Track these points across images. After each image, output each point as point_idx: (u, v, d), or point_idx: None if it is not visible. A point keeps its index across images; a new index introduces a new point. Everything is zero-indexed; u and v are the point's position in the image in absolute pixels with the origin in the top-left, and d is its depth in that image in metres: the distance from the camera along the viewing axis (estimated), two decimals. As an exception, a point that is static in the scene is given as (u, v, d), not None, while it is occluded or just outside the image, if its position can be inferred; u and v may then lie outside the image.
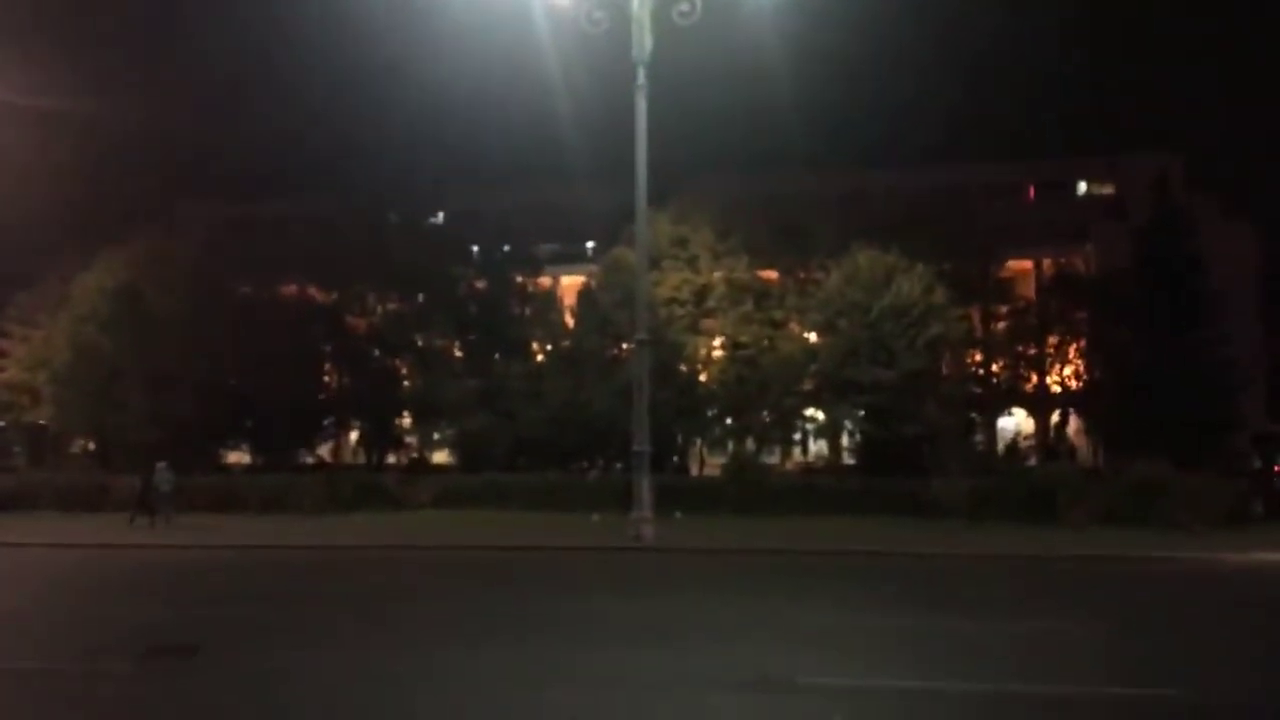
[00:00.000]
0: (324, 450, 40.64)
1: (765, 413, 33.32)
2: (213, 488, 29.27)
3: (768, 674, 8.77)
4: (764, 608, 13.06)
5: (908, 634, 10.95)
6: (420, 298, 36.36)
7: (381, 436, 36.93)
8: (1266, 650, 10.35)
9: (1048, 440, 42.28)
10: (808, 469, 38.74)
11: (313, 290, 37.78)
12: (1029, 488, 24.88)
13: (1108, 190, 51.39)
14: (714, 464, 34.46)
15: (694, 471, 35.00)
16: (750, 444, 34.39)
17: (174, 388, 31.52)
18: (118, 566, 18.47)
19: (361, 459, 39.21)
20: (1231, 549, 19.18)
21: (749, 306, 33.94)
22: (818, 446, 42.09)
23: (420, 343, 35.93)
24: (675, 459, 34.48)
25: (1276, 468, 26.85)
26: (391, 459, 37.22)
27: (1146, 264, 31.31)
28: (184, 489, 29.16)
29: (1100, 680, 8.82)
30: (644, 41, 21.46)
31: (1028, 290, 43.29)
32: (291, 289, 38.19)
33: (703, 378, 33.57)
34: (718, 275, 33.99)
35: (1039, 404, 43.06)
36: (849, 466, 33.56)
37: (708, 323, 33.75)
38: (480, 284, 37.46)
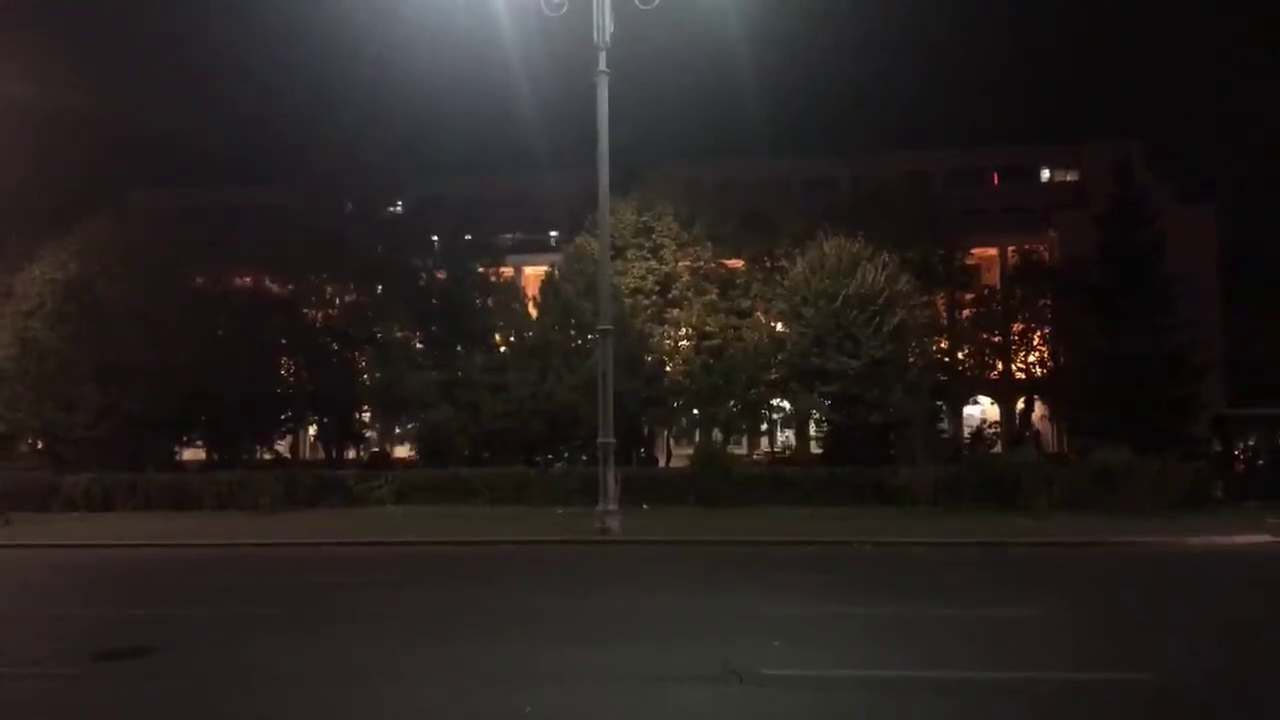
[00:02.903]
0: (282, 446, 39.94)
1: (732, 403, 33.18)
2: (167, 485, 28.64)
3: (733, 666, 8.51)
4: (729, 599, 12.81)
5: (874, 623, 10.74)
6: (379, 288, 35.73)
7: (341, 431, 36.33)
8: (1231, 632, 10.25)
9: (1013, 427, 42.58)
10: (775, 459, 38.69)
11: (269, 281, 37.01)
12: (993, 475, 24.89)
13: (1071, 177, 51.79)
14: (681, 455, 34.29)
15: (662, 462, 34.78)
16: (717, 434, 34.28)
17: (125, 383, 30.75)
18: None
19: (321, 455, 38.56)
20: (1192, 532, 19.22)
21: (714, 296, 33.78)
22: (785, 436, 42.09)
23: (380, 334, 35.32)
24: (642, 450, 34.25)
25: (1236, 451, 27.07)
26: (352, 454, 36.62)
27: (1108, 250, 31.46)
28: (137, 487, 28.62)
29: (1070, 665, 8.65)
30: (605, 26, 21.07)
31: (992, 277, 43.56)
32: (247, 280, 37.40)
33: (669, 368, 33.34)
34: (683, 264, 33.79)
35: (1004, 391, 43.36)
36: (817, 455, 33.51)
37: (673, 312, 33.53)
38: (441, 274, 36.90)
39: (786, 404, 33.21)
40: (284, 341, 35.71)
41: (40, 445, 35.95)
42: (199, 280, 35.78)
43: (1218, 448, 28.01)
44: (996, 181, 53.47)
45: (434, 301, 35.83)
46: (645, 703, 7.74)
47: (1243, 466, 26.96)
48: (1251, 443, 28.09)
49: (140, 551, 19.93)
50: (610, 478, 20.55)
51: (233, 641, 10.24)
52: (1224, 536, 19.01)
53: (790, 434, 41.00)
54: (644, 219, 33.50)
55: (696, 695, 7.84)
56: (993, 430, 39.51)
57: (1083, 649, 9.43)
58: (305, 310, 35.99)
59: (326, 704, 7.83)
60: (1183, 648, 9.48)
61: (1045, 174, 54.06)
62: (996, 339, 39.25)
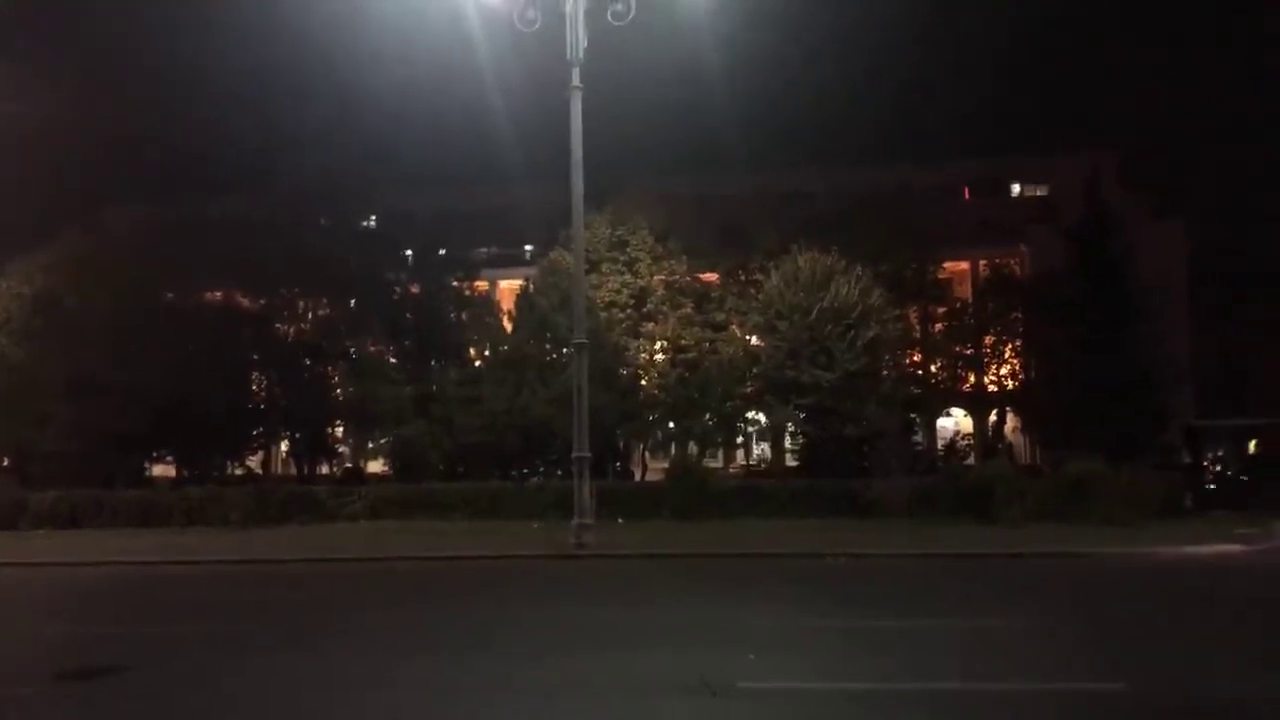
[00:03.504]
0: (255, 462, 39.50)
1: (707, 416, 33.18)
2: (135, 502, 28.21)
3: (708, 679, 8.45)
4: (705, 612, 12.77)
5: (848, 635, 10.73)
6: (353, 303, 35.46)
7: (314, 446, 35.95)
8: (1202, 641, 10.32)
9: (987, 439, 42.83)
10: (751, 472, 38.70)
11: (241, 296, 36.66)
12: (967, 486, 24.99)
13: (1041, 191, 52.33)
14: (657, 468, 34.23)
15: (638, 476, 34.69)
16: (693, 447, 34.25)
17: (95, 399, 30.27)
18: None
19: (294, 471, 38.14)
20: (1164, 542, 19.40)
21: (689, 309, 33.83)
22: (761, 449, 42.15)
23: (353, 349, 35.02)
24: (618, 464, 34.15)
25: (1206, 461, 27.36)
26: (325, 470, 36.25)
27: (1078, 263, 31.77)
28: (105, 504, 28.17)
29: (1046, 676, 8.66)
30: (578, 42, 21.10)
31: (965, 291, 43.85)
32: (218, 295, 37.03)
33: (644, 381, 33.31)
34: (658, 278, 33.83)
35: (977, 403, 43.61)
36: (792, 468, 33.55)
37: (648, 326, 33.54)
38: (415, 288, 36.69)
39: (762, 417, 33.23)
40: (256, 357, 35.33)
41: (7, 462, 35.36)
42: (169, 295, 35.35)
43: (1188, 458, 28.32)
44: (969, 196, 53.96)
45: (408, 315, 35.60)
46: (615, 716, 7.67)
47: (1213, 477, 27.26)
48: (1221, 453, 28.45)
49: (105, 569, 19.58)
50: (585, 492, 20.44)
51: (190, 660, 10.06)
52: (1194, 546, 19.19)
53: (766, 447, 41.05)
54: (619, 233, 33.54)
55: (669, 708, 7.77)
56: (966, 442, 39.70)
57: (1056, 659, 9.46)
58: (277, 325, 35.65)
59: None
60: (1155, 658, 9.52)
61: (1016, 189, 54.61)
62: (969, 352, 39.52)
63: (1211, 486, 26.49)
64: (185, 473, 35.02)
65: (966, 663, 9.27)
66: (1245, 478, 26.56)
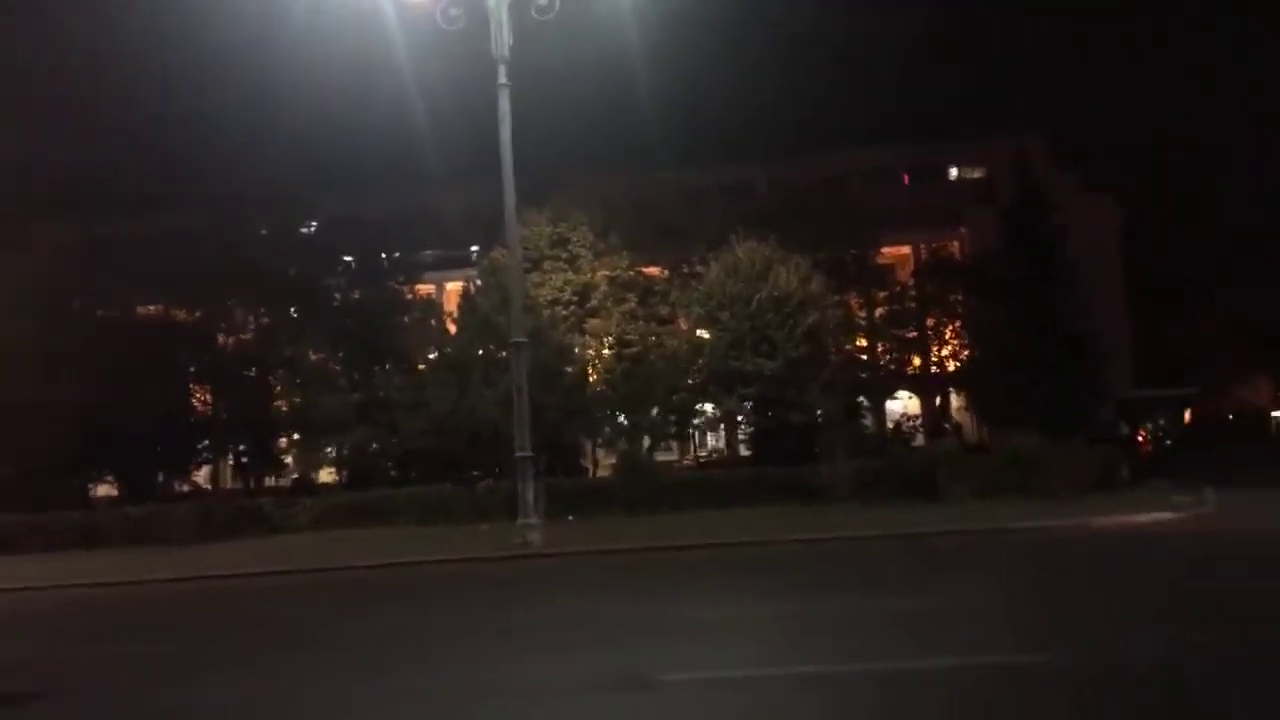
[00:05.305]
0: (201, 477, 38.81)
1: (655, 409, 33.18)
2: (74, 524, 27.54)
3: (631, 673, 8.43)
4: (644, 606, 12.76)
5: (782, 620, 10.77)
6: (293, 311, 34.95)
7: (259, 459, 35.38)
8: (1132, 610, 10.53)
9: (933, 420, 43.40)
10: (703, 463, 38.83)
11: (177, 309, 35.96)
12: (911, 468, 25.34)
13: (978, 174, 53.01)
14: (609, 464, 34.17)
15: (592, 473, 34.61)
16: (645, 442, 34.24)
17: (26, 419, 29.47)
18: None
19: (241, 485, 37.52)
20: (1099, 513, 19.78)
21: (633, 304, 33.81)
22: (715, 440, 42.31)
23: (292, 357, 34.48)
24: (567, 462, 34.00)
25: (1141, 432, 28.00)
26: (273, 482, 35.71)
27: (1011, 240, 32.30)
28: (41, 527, 27.47)
29: (969, 651, 8.74)
30: (503, 38, 20.95)
31: (908, 275, 44.33)
32: (154, 308, 36.28)
33: (592, 378, 33.24)
34: (600, 274, 33.76)
35: (924, 385, 44.18)
36: (746, 458, 33.71)
37: (593, 322, 33.47)
38: (356, 294, 36.25)
39: (709, 408, 33.34)
40: (193, 369, 34.68)
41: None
42: (100, 311, 34.55)
43: (1126, 430, 28.96)
44: (907, 181, 54.51)
45: (349, 321, 35.14)
46: (526, 715, 7.60)
47: (1149, 447, 27.91)
48: (1163, 423, 29.15)
49: (38, 594, 19.10)
50: (529, 491, 20.36)
51: (122, 682, 9.84)
52: (1129, 515, 19.62)
53: (720, 438, 41.23)
54: (559, 230, 33.41)
55: (586, 705, 7.72)
56: (911, 424, 40.20)
57: (983, 634, 9.56)
58: (216, 336, 35.04)
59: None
60: (1082, 628, 9.63)
61: (954, 172, 55.28)
62: (912, 335, 40.01)
63: (1145, 456, 27.10)
64: (126, 492, 34.27)
65: (890, 643, 9.32)
66: (1169, 443, 27.22)
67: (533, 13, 20.91)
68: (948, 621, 10.30)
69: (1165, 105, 73.19)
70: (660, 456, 34.81)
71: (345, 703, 8.35)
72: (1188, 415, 29.43)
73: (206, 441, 35.77)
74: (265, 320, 35.27)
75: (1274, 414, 36.07)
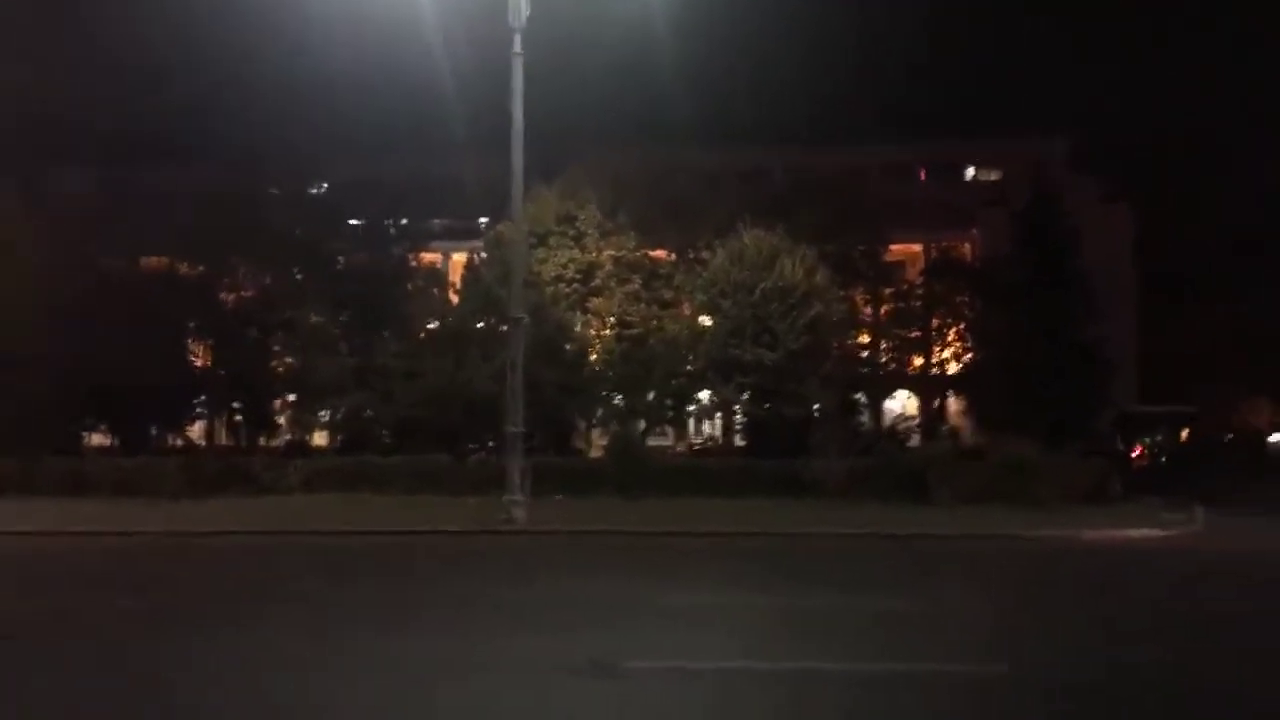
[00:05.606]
0: (196, 433, 38.84)
1: (652, 393, 33.07)
2: (65, 471, 27.57)
3: (596, 658, 8.34)
4: (620, 589, 12.69)
5: (759, 613, 10.67)
6: (296, 272, 34.84)
7: (254, 418, 35.37)
8: (1101, 624, 10.44)
9: (930, 421, 43.14)
10: (699, 451, 38.73)
11: (182, 264, 35.87)
12: (903, 468, 25.18)
13: (995, 175, 52.51)
14: (603, 446, 34.06)
15: (590, 454, 34.51)
16: (641, 425, 34.13)
17: (24, 365, 29.47)
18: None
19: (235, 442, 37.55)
20: (1088, 526, 19.67)
21: (637, 285, 33.63)
22: (710, 428, 42.17)
23: (292, 318, 34.37)
24: (562, 441, 33.92)
25: (1137, 448, 27.79)
26: (265, 442, 35.67)
27: (1023, 245, 31.98)
28: (30, 473, 27.50)
29: (929, 657, 8.65)
30: (520, 8, 20.74)
31: (918, 273, 43.97)
32: (159, 261, 36.21)
33: (592, 357, 33.11)
34: (606, 253, 33.56)
35: (924, 385, 43.91)
36: (740, 448, 33.57)
37: (595, 302, 33.31)
38: (362, 258, 36.09)
39: (706, 395, 33.20)
40: (193, 324, 34.61)
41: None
42: (107, 261, 34.47)
43: (1121, 444, 28.74)
44: (924, 177, 54.04)
45: (352, 286, 34.96)
46: (480, 696, 7.52)
47: (1144, 463, 27.70)
48: (1159, 439, 28.92)
49: (21, 541, 19.09)
50: (515, 468, 20.28)
51: (86, 631, 9.79)
52: (1117, 530, 19.50)
53: (716, 426, 41.09)
54: (567, 206, 33.20)
55: (543, 687, 7.64)
56: (907, 425, 39.95)
57: (946, 641, 9.48)
58: (218, 294, 34.97)
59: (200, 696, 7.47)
60: (1048, 640, 9.59)
61: (970, 172, 54.76)
62: (915, 334, 39.73)
63: (1139, 472, 26.91)
64: (118, 442, 34.32)
65: (853, 643, 9.26)
66: (1164, 460, 27.02)
67: (551, -15, 20.71)
68: (913, 626, 10.21)
69: (1164, 105, 72.37)
70: (654, 442, 34.71)
71: (311, 673, 8.28)
72: (1185, 433, 29.16)
73: (203, 398, 35.73)
74: (268, 280, 35.14)
75: (1270, 438, 35.66)
